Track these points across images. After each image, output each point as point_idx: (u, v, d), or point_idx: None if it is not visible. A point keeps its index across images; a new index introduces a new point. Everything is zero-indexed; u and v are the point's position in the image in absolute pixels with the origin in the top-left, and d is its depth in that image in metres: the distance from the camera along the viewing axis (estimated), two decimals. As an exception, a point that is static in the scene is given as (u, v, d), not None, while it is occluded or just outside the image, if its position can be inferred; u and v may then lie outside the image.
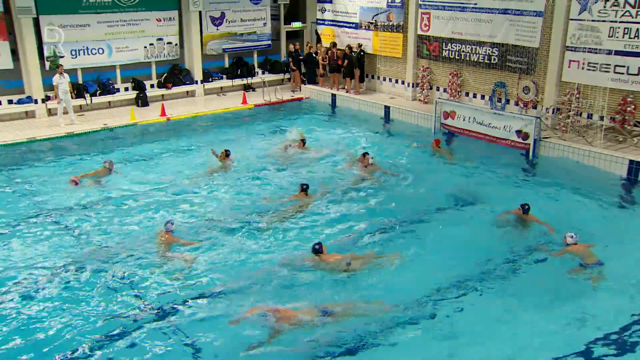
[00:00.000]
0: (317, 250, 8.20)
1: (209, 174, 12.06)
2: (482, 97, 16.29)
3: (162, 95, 18.95)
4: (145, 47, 18.39)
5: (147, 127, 16.09)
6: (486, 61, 15.73)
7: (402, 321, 7.01)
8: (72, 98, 16.09)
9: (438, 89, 17.40)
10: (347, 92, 18.73)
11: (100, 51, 17.58)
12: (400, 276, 8.07)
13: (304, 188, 10.44)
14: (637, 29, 12.59)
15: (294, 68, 19.84)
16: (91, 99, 17.52)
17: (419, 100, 17.63)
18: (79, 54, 17.22)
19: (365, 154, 12.32)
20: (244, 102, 18.39)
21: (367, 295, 7.54)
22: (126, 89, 18.49)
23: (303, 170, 12.42)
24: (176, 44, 18.98)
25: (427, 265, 8.34)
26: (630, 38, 12.71)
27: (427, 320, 7.08)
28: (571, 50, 13.82)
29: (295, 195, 10.62)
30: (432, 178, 12.01)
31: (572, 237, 8.52)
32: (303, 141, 13.40)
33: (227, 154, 12.58)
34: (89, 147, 14.54)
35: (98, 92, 17.69)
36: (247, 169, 12.43)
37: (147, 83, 18.76)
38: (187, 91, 19.46)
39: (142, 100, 18.17)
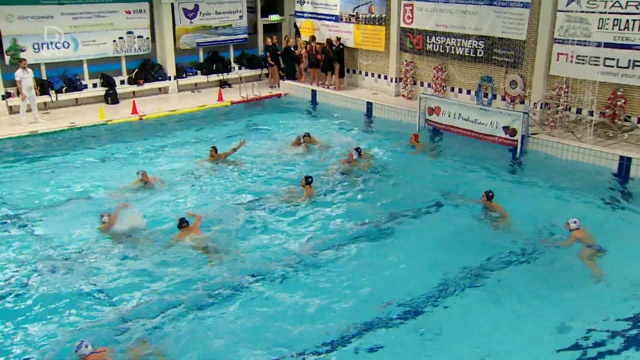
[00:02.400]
0: (180, 224, 8.63)
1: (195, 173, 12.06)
2: (468, 92, 16.29)
3: (133, 92, 18.74)
4: (114, 40, 18.09)
5: (118, 126, 15.86)
6: (472, 55, 15.71)
7: (383, 320, 7.02)
8: (36, 95, 15.79)
9: (422, 84, 17.38)
10: (326, 87, 18.69)
11: (66, 45, 17.20)
12: (382, 275, 8.09)
13: (309, 181, 10.70)
14: (627, 20, 12.62)
15: (272, 63, 19.72)
16: (56, 95, 17.18)
17: (403, 95, 17.63)
18: (42, 48, 16.81)
19: (357, 149, 12.32)
20: (220, 99, 18.23)
21: (348, 294, 7.56)
22: (94, 86, 18.21)
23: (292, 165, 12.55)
24: (147, 38, 18.70)
25: (407, 265, 8.36)
26: (620, 29, 12.73)
27: (409, 320, 7.10)
28: (559, 43, 13.81)
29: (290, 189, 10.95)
30: (417, 176, 11.98)
31: (575, 222, 8.61)
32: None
33: (216, 150, 12.62)
34: (54, 147, 14.25)
35: (64, 88, 17.37)
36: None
37: (117, 79, 18.48)
38: (160, 88, 19.27)
39: (111, 97, 17.95)
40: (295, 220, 9.92)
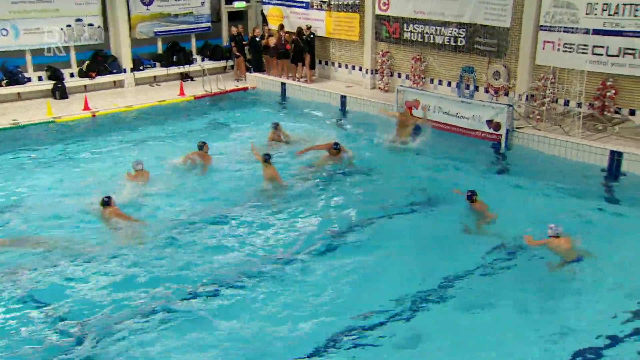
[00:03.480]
0: (106, 202, 9.24)
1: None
2: (449, 84, 16.20)
3: (85, 86, 18.31)
4: (61, 29, 17.49)
5: (68, 124, 15.52)
6: (452, 44, 15.55)
7: (361, 328, 6.95)
8: (-30, 88, 15.29)
9: (400, 76, 17.29)
10: (297, 79, 18.58)
11: (4, 32, 16.56)
12: (358, 281, 8.01)
13: (266, 159, 11.03)
14: (617, 5, 12.45)
15: (238, 54, 19.48)
16: None
17: (379, 88, 17.55)
18: (-25, 36, 16.30)
19: (335, 145, 12.22)
20: (182, 93, 17.97)
21: (320, 302, 7.49)
22: (40, 79, 17.68)
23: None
24: (99, 27, 18.22)
25: (385, 269, 8.28)
26: (609, 15, 12.55)
27: (389, 328, 7.01)
28: (545, 30, 13.64)
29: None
30: (395, 174, 11.90)
31: (551, 228, 8.31)
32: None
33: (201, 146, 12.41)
34: None
35: (4, 81, 16.88)
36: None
37: (66, 72, 17.97)
38: (115, 81, 18.88)
39: (60, 92, 17.44)
40: (265, 224, 9.78)
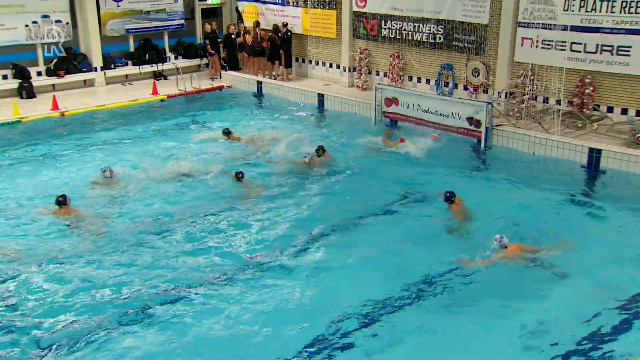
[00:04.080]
0: (60, 202, 9.37)
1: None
2: (428, 81, 16.26)
3: (53, 85, 18.12)
4: (26, 25, 17.26)
5: (36, 124, 15.33)
6: (430, 40, 15.59)
7: (335, 333, 6.92)
8: None
9: (378, 74, 17.32)
10: (273, 78, 18.54)
11: None
12: (337, 282, 8.00)
13: (239, 177, 11.09)
14: (594, 1, 12.60)
15: (212, 52, 19.39)
16: None
17: (357, 86, 17.52)
18: None
19: (320, 147, 12.32)
20: (155, 92, 17.90)
21: (287, 305, 7.49)
22: (4, 77, 17.47)
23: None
24: (67, 23, 18.01)
25: (363, 271, 8.25)
26: (587, 11, 12.66)
27: (363, 332, 6.98)
28: (524, 27, 13.72)
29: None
30: (375, 173, 11.87)
31: (497, 239, 8.23)
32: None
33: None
34: None
35: None
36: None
37: (33, 70, 17.76)
38: (85, 80, 18.73)
39: (26, 91, 17.26)
40: (241, 225, 9.71)
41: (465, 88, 15.19)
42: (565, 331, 6.85)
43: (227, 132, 13.68)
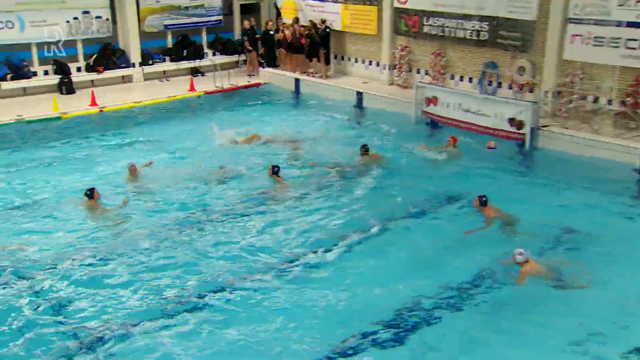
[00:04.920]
0: (88, 195, 9.75)
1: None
2: (470, 79, 15.97)
3: (92, 80, 18.35)
4: (67, 21, 17.58)
5: (75, 120, 15.58)
6: (474, 38, 15.29)
7: (370, 335, 6.85)
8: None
9: (419, 72, 17.13)
10: (312, 75, 18.51)
11: (9, 25, 16.60)
12: (369, 286, 7.90)
13: (275, 171, 11.13)
14: (652, -4, 12.17)
15: (250, 48, 19.46)
16: None
17: (397, 84, 17.36)
18: (-21, 28, 16.32)
19: (363, 146, 12.24)
20: (192, 89, 17.90)
21: (317, 307, 7.45)
22: (46, 73, 17.75)
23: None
24: (107, 19, 18.27)
25: (389, 277, 8.12)
26: (644, 7, 12.27)
27: (397, 336, 6.92)
28: (574, 23, 13.27)
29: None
30: (412, 176, 11.71)
31: (521, 254, 7.88)
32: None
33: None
34: None
35: (9, 75, 16.90)
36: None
37: (73, 66, 18.08)
38: (123, 76, 18.93)
39: (66, 87, 17.51)
40: (274, 224, 9.70)
41: (510, 87, 14.86)
42: (607, 345, 6.69)
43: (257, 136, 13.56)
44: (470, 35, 15.47)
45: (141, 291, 7.79)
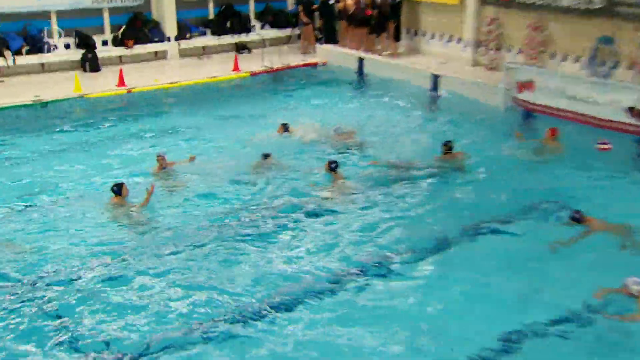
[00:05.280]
0: (115, 191, 9.86)
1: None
2: (577, 59, 15.34)
3: (120, 57, 18.60)
4: None
5: (99, 102, 15.83)
6: (584, 6, 14.65)
7: None
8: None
9: (510, 50, 16.75)
10: (378, 53, 18.32)
11: None
12: (437, 309, 7.76)
13: (333, 167, 11.09)
14: None
15: (306, 21, 19.54)
16: (14, 58, 16.90)
17: (483, 65, 17.14)
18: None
19: (447, 143, 12.03)
20: (236, 68, 18.03)
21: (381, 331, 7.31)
22: (67, 47, 17.98)
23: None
24: None
25: (469, 298, 7.97)
26: None
27: None
28: None
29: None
30: (494, 178, 11.47)
31: (637, 282, 7.46)
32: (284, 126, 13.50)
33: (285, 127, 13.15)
34: (8, 130, 14.04)
35: (25, 49, 17.18)
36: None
37: (98, 39, 18.27)
38: (156, 52, 19.18)
39: (90, 64, 17.72)
40: (322, 231, 9.59)
41: (631, 68, 14.21)
42: None
43: (285, 127, 13.26)
44: (578, 4, 14.86)
45: (167, 311, 7.68)
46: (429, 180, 11.31)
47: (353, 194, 10.65)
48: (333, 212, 10.07)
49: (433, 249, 9.03)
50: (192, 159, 11.72)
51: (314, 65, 18.98)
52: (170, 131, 14.07)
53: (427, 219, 9.96)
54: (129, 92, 16.31)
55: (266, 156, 11.60)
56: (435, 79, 16.51)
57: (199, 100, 16.20)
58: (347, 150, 12.64)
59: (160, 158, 11.40)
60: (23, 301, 7.76)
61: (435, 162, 11.83)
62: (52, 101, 15.53)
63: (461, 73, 16.59)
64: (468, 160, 11.99)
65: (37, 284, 8.13)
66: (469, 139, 13.10)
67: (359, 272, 8.42)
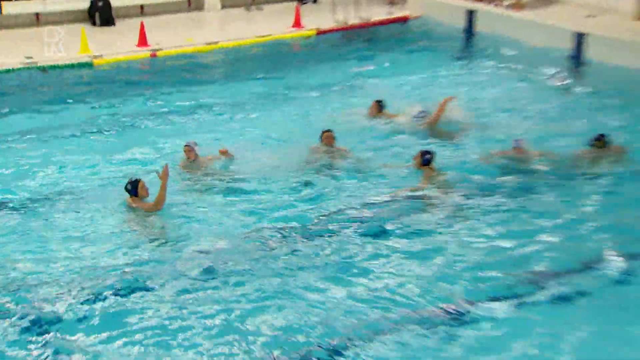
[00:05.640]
0: (129, 191, 9.53)
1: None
2: None
3: (141, 6, 18.59)
4: None
5: (113, 69, 15.56)
6: None
7: None
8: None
9: None
10: (494, 4, 17.87)
11: None
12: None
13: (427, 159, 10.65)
14: None
15: None
16: (1, 7, 17.09)
17: None
18: None
19: (599, 137, 11.22)
20: (297, 24, 17.80)
21: None
22: None
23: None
24: None
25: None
26: None
27: None
28: None
29: None
30: None
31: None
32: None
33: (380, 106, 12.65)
34: None
35: None
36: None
37: None
38: (189, 0, 19.25)
39: (102, 14, 17.54)
40: (411, 249, 8.92)
41: None
42: None
43: (380, 105, 12.67)
44: None
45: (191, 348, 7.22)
46: (569, 182, 10.74)
47: (455, 196, 10.07)
48: (426, 223, 9.50)
49: (565, 281, 8.31)
50: (224, 153, 11.16)
51: (404, 20, 18.65)
52: (205, 109, 13.53)
53: (562, 236, 9.14)
54: (152, 55, 15.95)
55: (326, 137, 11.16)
56: (579, 39, 15.77)
57: (246, 67, 15.96)
58: (448, 140, 12.12)
59: (189, 149, 10.79)
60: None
61: (575, 156, 11.22)
62: (50, 67, 15.01)
63: (617, 31, 15.75)
64: (625, 156, 11.30)
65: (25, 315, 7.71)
66: (630, 126, 12.36)
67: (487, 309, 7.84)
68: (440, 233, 9.27)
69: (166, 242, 9.07)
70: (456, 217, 9.62)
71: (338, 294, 8.10)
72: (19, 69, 14.75)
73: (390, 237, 9.21)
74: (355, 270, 8.53)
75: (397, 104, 13.18)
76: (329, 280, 8.30)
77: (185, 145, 10.94)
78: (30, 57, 15.00)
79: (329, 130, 11.18)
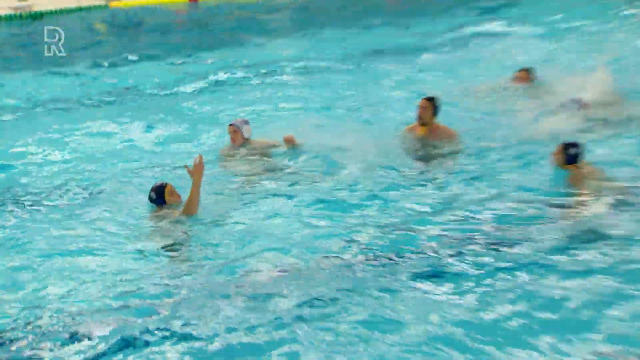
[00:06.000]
0: (154, 200, 7.72)
1: None
2: None
3: None
4: None
5: (136, 15, 15.99)
6: None
7: None
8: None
9: None
10: None
11: None
12: None
13: (572, 155, 8.53)
14: None
15: None
16: None
17: None
18: None
19: None
20: None
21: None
22: None
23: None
24: None
25: None
26: None
27: None
28: None
29: None
30: None
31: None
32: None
33: (528, 73, 10.67)
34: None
35: None
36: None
37: None
38: None
39: None
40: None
41: None
42: None
43: (528, 71, 10.51)
44: None
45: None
46: None
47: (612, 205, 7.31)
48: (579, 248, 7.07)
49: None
50: (289, 141, 8.58)
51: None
52: (260, 75, 11.89)
53: None
54: (193, 0, 16.58)
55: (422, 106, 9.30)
56: None
57: (317, 19, 16.12)
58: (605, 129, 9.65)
59: (234, 130, 8.55)
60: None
61: None
62: (49, 12, 15.26)
63: None
64: None
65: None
66: None
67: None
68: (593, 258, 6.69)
69: (201, 265, 6.52)
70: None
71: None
72: (10, 17, 14.31)
73: (516, 257, 6.46)
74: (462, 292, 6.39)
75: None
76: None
77: (230, 125, 8.63)
78: (24, 1, 14.81)
79: (429, 99, 8.38)
